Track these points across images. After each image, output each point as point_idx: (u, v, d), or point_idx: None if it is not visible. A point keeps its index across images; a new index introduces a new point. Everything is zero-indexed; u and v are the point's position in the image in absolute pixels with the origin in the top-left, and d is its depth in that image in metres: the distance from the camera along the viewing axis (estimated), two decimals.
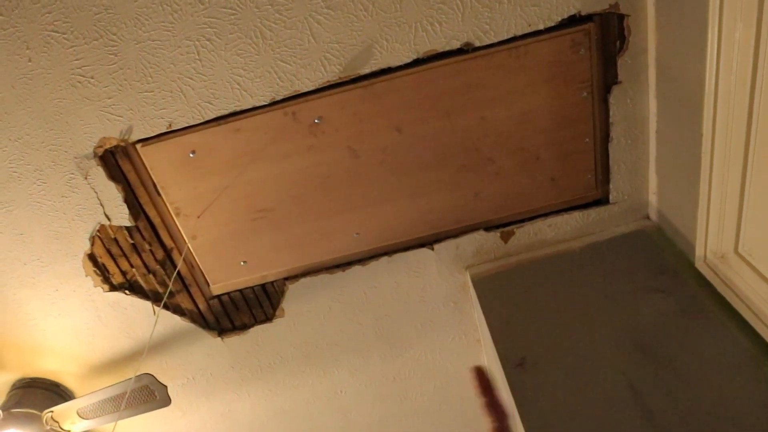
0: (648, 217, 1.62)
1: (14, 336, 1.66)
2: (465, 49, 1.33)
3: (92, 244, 1.51)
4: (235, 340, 1.74)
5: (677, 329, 1.33)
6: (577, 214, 1.59)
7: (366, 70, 1.34)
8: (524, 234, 1.62)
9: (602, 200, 1.59)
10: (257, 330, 1.72)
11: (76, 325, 1.65)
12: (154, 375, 1.59)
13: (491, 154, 1.48)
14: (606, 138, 1.49)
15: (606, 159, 1.52)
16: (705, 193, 1.28)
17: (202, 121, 1.36)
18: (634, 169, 1.53)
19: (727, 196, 1.22)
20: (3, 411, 1.68)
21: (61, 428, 1.73)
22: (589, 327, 1.39)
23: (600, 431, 1.17)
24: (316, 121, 1.39)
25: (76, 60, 1.24)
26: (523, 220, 1.60)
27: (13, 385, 1.77)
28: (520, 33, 1.31)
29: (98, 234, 1.50)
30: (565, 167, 1.52)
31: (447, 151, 1.47)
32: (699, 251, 1.37)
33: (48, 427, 1.72)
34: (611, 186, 1.56)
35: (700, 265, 1.39)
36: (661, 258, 1.51)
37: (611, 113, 1.45)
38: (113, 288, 1.59)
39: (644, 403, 1.20)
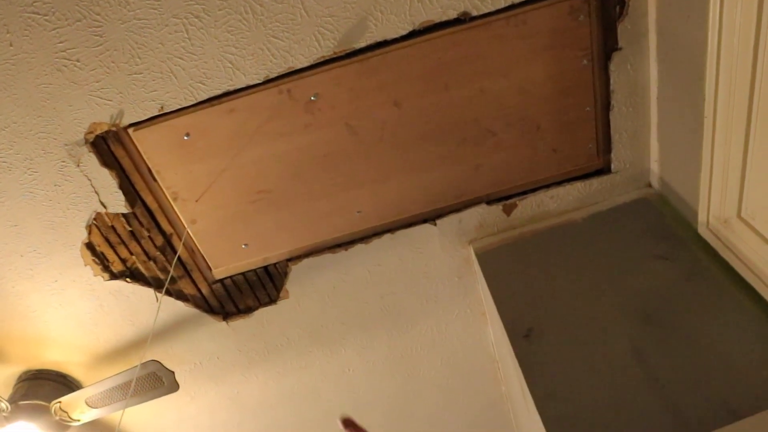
0: (650, 185, 1.59)
1: (17, 329, 1.62)
2: (462, 19, 1.28)
3: (89, 233, 1.46)
4: (240, 324, 1.71)
5: (681, 295, 1.32)
6: (579, 185, 1.56)
7: (361, 44, 1.28)
8: (527, 206, 1.58)
9: (604, 170, 1.56)
10: (262, 312, 1.69)
11: (78, 315, 1.61)
12: (161, 361, 1.56)
13: (491, 126, 1.44)
14: (607, 106, 1.45)
15: (607, 127, 1.48)
16: (707, 157, 1.25)
17: (194, 102, 1.30)
18: (635, 136, 1.50)
19: (729, 160, 1.19)
20: (11, 404, 1.65)
21: (70, 418, 1.71)
22: (594, 296, 1.38)
23: (606, 398, 1.17)
24: (312, 98, 1.34)
25: (60, 43, 1.17)
26: (525, 192, 1.57)
27: (19, 377, 1.74)
28: (518, 1, 1.26)
29: (95, 222, 1.45)
30: (566, 137, 1.48)
31: (446, 125, 1.42)
32: (702, 217, 1.35)
33: (57, 418, 1.69)
34: (613, 155, 1.52)
35: (703, 230, 1.37)
36: (663, 225, 1.49)
37: (612, 80, 1.40)
38: (114, 276, 1.55)
39: (649, 369, 1.20)
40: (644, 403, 1.13)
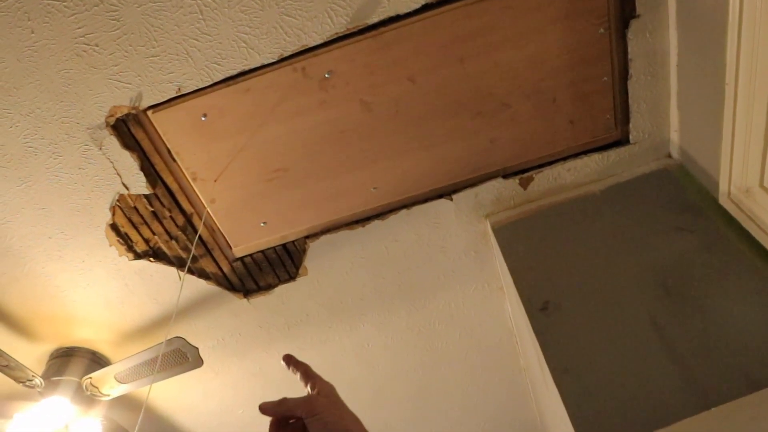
0: (670, 156, 1.60)
1: (47, 308, 1.72)
2: None
3: (113, 214, 1.54)
4: (260, 301, 1.78)
5: (701, 266, 1.33)
6: (596, 156, 1.58)
7: (374, 19, 1.31)
8: (543, 179, 1.61)
9: (622, 140, 1.57)
10: (282, 289, 1.76)
11: (105, 294, 1.70)
12: (185, 338, 1.64)
13: (506, 99, 1.46)
14: (625, 75, 1.46)
15: (625, 97, 1.49)
16: (729, 126, 1.25)
17: (211, 83, 1.35)
18: (654, 106, 1.50)
19: (752, 128, 1.19)
20: (44, 380, 1.76)
21: (101, 392, 1.82)
22: (612, 268, 1.40)
23: (624, 370, 1.19)
24: (326, 75, 1.38)
25: (79, 28, 1.23)
26: (541, 165, 1.59)
27: (51, 355, 1.85)
28: None
29: (118, 204, 1.52)
30: (583, 108, 1.49)
31: (461, 99, 1.45)
32: (723, 187, 1.36)
33: (88, 393, 1.80)
34: (631, 125, 1.53)
35: (724, 200, 1.38)
36: (684, 196, 1.50)
37: (630, 49, 1.41)
38: (138, 256, 1.63)
39: (668, 341, 1.22)
40: (663, 375, 1.15)
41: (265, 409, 0.70)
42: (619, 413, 1.13)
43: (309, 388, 0.73)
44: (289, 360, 0.76)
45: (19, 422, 1.70)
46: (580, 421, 1.14)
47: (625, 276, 1.38)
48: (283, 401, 0.70)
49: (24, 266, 1.60)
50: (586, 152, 1.57)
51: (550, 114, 1.49)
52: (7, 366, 1.67)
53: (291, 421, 0.72)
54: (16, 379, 1.72)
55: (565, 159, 1.58)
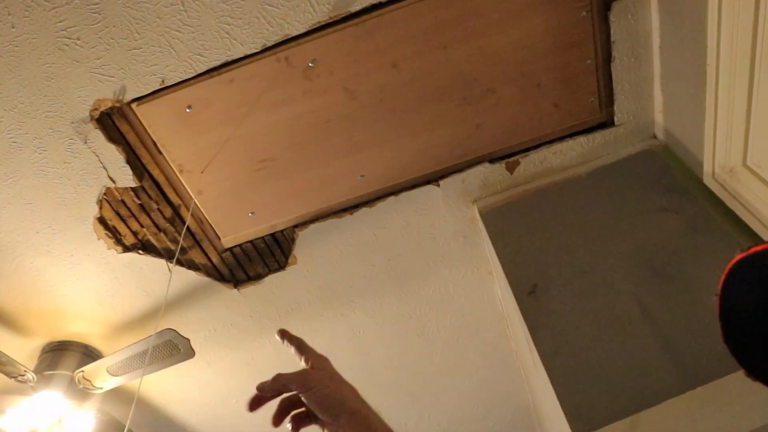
0: (655, 137, 1.64)
1: (37, 303, 1.75)
2: None
3: (100, 208, 1.56)
4: (251, 291, 1.82)
5: (688, 246, 1.37)
6: (582, 139, 1.61)
7: (356, 7, 1.33)
8: (530, 163, 1.65)
9: (607, 123, 1.61)
10: (272, 279, 1.80)
11: (95, 287, 1.73)
12: (176, 329, 1.68)
13: (491, 84, 1.49)
14: (608, 58, 1.49)
15: (609, 80, 1.52)
16: (711, 106, 1.29)
17: (194, 74, 1.37)
18: (638, 88, 1.54)
19: (734, 108, 1.23)
20: (36, 374, 1.79)
21: (93, 386, 1.86)
22: (599, 251, 1.44)
23: (611, 352, 1.23)
24: (310, 64, 1.40)
25: (60, 22, 1.25)
26: (527, 149, 1.62)
27: (43, 349, 1.89)
28: None
29: (105, 197, 1.55)
30: (568, 92, 1.53)
31: (446, 85, 1.48)
32: (707, 167, 1.39)
33: (81, 386, 1.84)
34: (615, 107, 1.57)
35: (708, 180, 1.41)
36: (669, 177, 1.53)
37: (612, 31, 1.44)
38: (126, 249, 1.66)
39: (655, 322, 1.25)
40: (650, 356, 1.19)
41: (261, 388, 0.71)
42: (607, 394, 1.17)
43: (303, 362, 0.73)
44: (284, 334, 0.76)
45: (13, 417, 1.74)
46: (569, 404, 1.18)
47: (612, 258, 1.41)
48: (278, 377, 0.70)
49: (12, 262, 1.62)
50: (571, 135, 1.61)
51: (535, 98, 1.53)
52: None
53: (294, 412, 0.72)
54: (8, 375, 1.75)
55: (550, 142, 1.61)
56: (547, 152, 1.63)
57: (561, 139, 1.61)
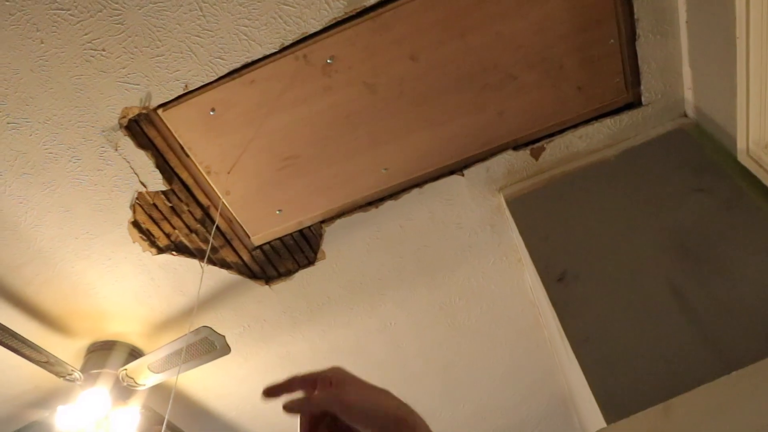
0: (685, 115, 1.61)
1: (81, 305, 1.84)
2: None
3: (134, 212, 1.63)
4: (282, 287, 1.87)
5: (721, 226, 1.34)
6: (608, 121, 1.59)
7: (372, 1, 1.35)
8: (555, 148, 1.64)
9: (634, 103, 1.58)
10: (302, 274, 1.84)
11: (133, 288, 1.81)
12: (212, 327, 1.74)
13: (512, 70, 1.49)
14: (632, 36, 1.46)
15: (634, 59, 1.50)
16: (743, 80, 1.26)
17: (216, 77, 1.42)
18: (665, 65, 1.51)
19: (767, 81, 1.20)
20: (83, 373, 1.89)
21: (136, 383, 1.94)
22: (630, 235, 1.42)
23: (644, 337, 1.22)
24: (328, 61, 1.43)
25: (85, 35, 1.30)
26: (552, 134, 1.61)
27: (88, 349, 1.98)
28: None
29: (137, 202, 1.61)
30: (591, 73, 1.51)
31: (466, 73, 1.48)
32: (741, 144, 1.36)
33: (125, 384, 1.93)
34: (642, 87, 1.54)
35: (742, 158, 1.38)
36: (701, 156, 1.50)
37: (635, 8, 1.42)
38: (160, 251, 1.73)
39: (688, 305, 1.24)
40: (683, 340, 1.18)
41: (289, 409, 0.63)
42: (640, 381, 1.16)
43: (320, 388, 0.65)
44: (270, 390, 0.67)
45: (63, 414, 1.84)
46: (601, 391, 1.18)
47: (643, 241, 1.40)
48: (309, 402, 0.64)
49: (55, 267, 1.71)
50: (597, 118, 1.59)
51: (558, 82, 1.51)
52: (47, 362, 1.80)
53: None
54: (57, 374, 1.85)
55: (575, 126, 1.60)
56: (572, 136, 1.61)
57: (586, 122, 1.59)
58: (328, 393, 0.63)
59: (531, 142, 1.62)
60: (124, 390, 1.95)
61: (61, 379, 1.88)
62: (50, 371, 1.83)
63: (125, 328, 1.94)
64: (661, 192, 1.48)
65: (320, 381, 0.65)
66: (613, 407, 1.15)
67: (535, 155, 1.65)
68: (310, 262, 1.82)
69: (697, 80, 1.49)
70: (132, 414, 1.97)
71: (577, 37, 1.45)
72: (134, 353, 1.99)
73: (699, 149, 1.52)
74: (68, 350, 1.96)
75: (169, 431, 2.02)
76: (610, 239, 1.44)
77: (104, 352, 1.95)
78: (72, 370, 1.83)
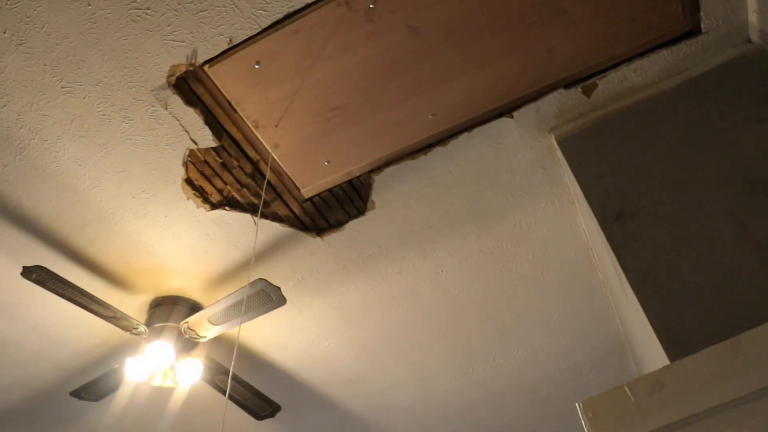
0: (749, 40, 1.55)
1: (141, 262, 1.95)
2: None
3: (186, 170, 1.71)
4: (333, 238, 1.93)
5: None
6: (664, 52, 1.55)
7: None
8: (608, 84, 1.61)
9: (693, 31, 1.53)
10: (352, 225, 1.90)
11: (189, 244, 1.91)
12: (267, 279, 1.83)
13: (560, 4, 1.46)
14: None
15: None
16: None
17: (259, 29, 1.44)
18: None
19: None
20: (148, 327, 2.03)
21: (198, 335, 2.07)
22: (690, 170, 1.40)
23: (706, 273, 1.22)
24: (370, 6, 1.43)
25: None
26: (605, 70, 1.58)
27: (150, 304, 2.12)
28: None
29: (189, 159, 1.68)
30: (646, 2, 1.46)
31: (511, 10, 1.46)
32: None
33: (187, 336, 2.06)
34: (702, 13, 1.49)
35: None
36: (767, 83, 1.46)
37: None
38: (213, 206, 1.81)
39: (753, 239, 1.23)
40: (750, 276, 1.17)
41: None
42: (705, 317, 1.17)
43: None
44: None
45: (132, 365, 1.99)
46: (663, 328, 1.19)
47: (704, 176, 1.38)
48: None
49: (115, 226, 1.82)
50: (652, 49, 1.55)
51: (610, 13, 1.48)
52: (114, 317, 1.94)
53: None
54: (124, 328, 1.99)
55: (630, 60, 1.57)
56: (626, 70, 1.58)
57: (641, 54, 1.56)
58: None
59: (582, 79, 1.60)
60: (187, 342, 2.08)
61: (128, 333, 2.02)
62: (117, 326, 1.97)
63: (185, 283, 2.05)
64: (723, 124, 1.45)
65: None
66: (677, 344, 1.16)
67: (587, 93, 1.63)
68: (360, 213, 1.87)
69: (763, 1, 1.43)
70: (195, 364, 2.11)
71: None
72: (195, 307, 2.11)
73: (764, 76, 1.48)
74: (132, 306, 2.10)
75: (232, 380, 2.16)
76: (669, 176, 1.43)
77: (166, 307, 2.08)
78: (137, 324, 1.96)
